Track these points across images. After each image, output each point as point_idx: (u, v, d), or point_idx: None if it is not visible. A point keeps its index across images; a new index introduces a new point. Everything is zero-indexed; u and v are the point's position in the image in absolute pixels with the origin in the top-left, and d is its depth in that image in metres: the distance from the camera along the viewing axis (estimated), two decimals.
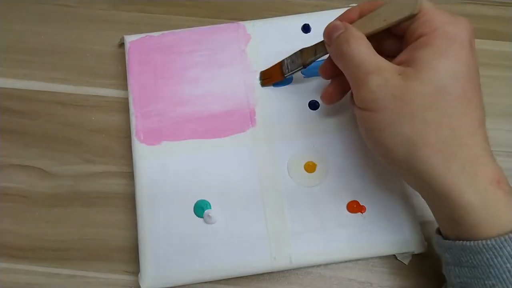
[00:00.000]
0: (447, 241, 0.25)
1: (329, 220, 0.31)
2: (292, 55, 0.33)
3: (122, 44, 0.37)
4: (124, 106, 0.36)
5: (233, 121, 0.34)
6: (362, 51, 0.25)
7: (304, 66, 0.32)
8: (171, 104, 0.34)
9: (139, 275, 0.30)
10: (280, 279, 0.32)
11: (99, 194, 0.34)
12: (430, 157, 0.23)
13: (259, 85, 0.35)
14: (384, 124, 0.24)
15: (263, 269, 0.30)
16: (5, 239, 0.33)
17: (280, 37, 0.36)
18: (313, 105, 0.34)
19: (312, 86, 0.35)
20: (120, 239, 0.33)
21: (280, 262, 0.30)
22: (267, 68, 0.35)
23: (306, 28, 0.37)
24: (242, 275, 0.31)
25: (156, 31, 0.36)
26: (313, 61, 0.31)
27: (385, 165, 0.28)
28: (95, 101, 0.36)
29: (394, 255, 0.32)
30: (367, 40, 0.26)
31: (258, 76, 0.35)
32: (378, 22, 0.26)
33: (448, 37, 0.24)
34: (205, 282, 0.31)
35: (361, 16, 0.27)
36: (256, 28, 0.37)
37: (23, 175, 0.34)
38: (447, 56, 0.23)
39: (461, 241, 0.23)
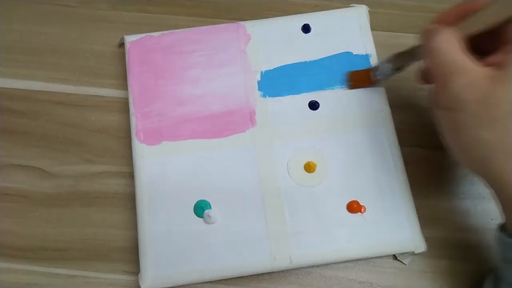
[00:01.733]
0: None
1: (329, 220, 0.31)
2: (386, 58, 0.32)
3: (122, 44, 0.37)
4: (124, 106, 0.36)
5: (233, 121, 0.34)
6: (451, 49, 0.25)
7: (399, 70, 0.31)
8: (171, 104, 0.34)
9: (139, 275, 0.30)
10: (280, 279, 0.32)
11: (99, 194, 0.34)
12: (507, 163, 0.23)
13: (259, 85, 0.35)
14: (464, 125, 0.24)
15: (263, 269, 0.30)
16: (5, 239, 0.33)
17: (280, 37, 0.36)
18: (313, 105, 0.34)
19: None
20: (120, 239, 0.33)
21: (280, 262, 0.30)
22: (355, 70, 0.35)
23: (306, 28, 0.37)
24: (242, 275, 0.31)
25: (156, 31, 0.36)
26: (407, 65, 0.31)
27: (460, 164, 0.28)
28: (95, 101, 0.36)
29: (394, 255, 0.32)
30: (459, 39, 0.25)
31: (346, 76, 0.35)
32: (477, 24, 0.25)
33: None
34: (205, 282, 0.31)
35: (458, 18, 0.26)
36: (256, 28, 0.37)
37: (23, 175, 0.34)
38: None
39: None
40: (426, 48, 0.26)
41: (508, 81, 0.23)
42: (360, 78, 0.34)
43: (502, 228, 0.26)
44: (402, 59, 0.31)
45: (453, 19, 0.27)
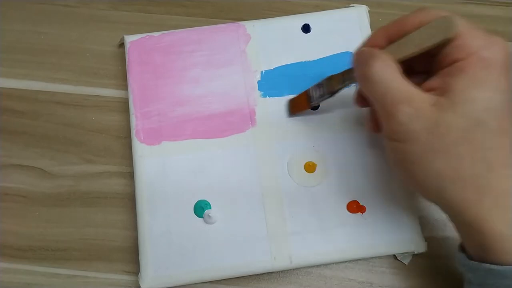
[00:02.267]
0: (473, 262, 0.24)
1: (329, 220, 0.31)
2: (318, 82, 0.31)
3: (122, 44, 0.37)
4: (124, 106, 0.36)
5: (233, 121, 0.34)
6: (391, 77, 0.24)
7: (332, 94, 0.30)
8: (171, 104, 0.34)
9: (139, 275, 0.30)
10: (280, 279, 0.32)
11: (99, 194, 0.34)
12: (463, 191, 0.23)
13: (259, 85, 0.35)
14: (415, 156, 0.23)
15: (263, 269, 0.30)
16: (5, 239, 0.33)
17: (280, 37, 0.36)
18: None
19: None
20: (120, 239, 0.33)
21: (280, 262, 0.30)
22: (293, 97, 0.34)
23: (306, 28, 0.37)
24: (242, 275, 0.31)
25: (156, 31, 0.36)
26: (341, 89, 0.30)
27: (415, 192, 0.26)
28: (95, 101, 0.36)
29: (394, 255, 0.32)
30: (395, 65, 0.24)
31: (286, 105, 0.34)
32: (410, 48, 0.24)
33: (484, 64, 0.22)
34: (205, 282, 0.31)
35: (388, 40, 0.26)
36: (256, 28, 0.37)
37: (23, 175, 0.34)
38: (484, 87, 0.22)
39: (488, 264, 0.23)
40: (363, 76, 0.25)
41: (456, 108, 0.22)
42: (298, 104, 0.34)
43: (462, 247, 0.26)
44: (333, 83, 0.30)
45: (383, 42, 0.26)
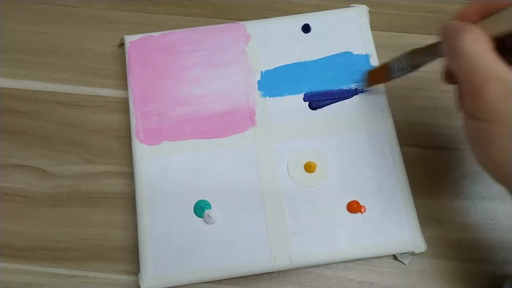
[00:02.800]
0: None
1: (329, 220, 0.31)
2: (401, 55, 0.30)
3: (122, 44, 0.37)
4: (124, 106, 0.36)
5: (233, 121, 0.34)
6: (482, 53, 0.22)
7: (415, 68, 0.30)
8: (171, 104, 0.34)
9: (139, 275, 0.30)
10: (280, 279, 0.32)
11: (99, 194, 0.34)
12: None
13: (259, 85, 0.35)
14: (496, 137, 0.23)
15: (263, 269, 0.30)
16: (5, 239, 0.33)
17: (280, 37, 0.36)
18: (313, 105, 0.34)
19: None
20: (120, 239, 0.33)
21: (280, 262, 0.30)
22: (372, 69, 0.34)
23: (306, 28, 0.37)
24: (242, 275, 0.31)
25: (156, 31, 0.36)
26: (425, 63, 0.29)
27: (491, 178, 0.25)
28: (95, 101, 0.36)
29: (394, 255, 0.32)
30: (488, 42, 0.23)
31: (363, 75, 0.34)
32: (504, 25, 0.23)
33: None
34: (205, 282, 0.31)
35: (482, 15, 0.24)
36: (256, 28, 0.37)
37: (23, 175, 0.34)
38: None
39: None
40: (452, 49, 0.24)
41: None
42: (376, 76, 0.34)
43: None
44: (418, 56, 0.29)
45: (476, 16, 0.24)
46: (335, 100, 0.34)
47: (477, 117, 0.23)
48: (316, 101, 0.34)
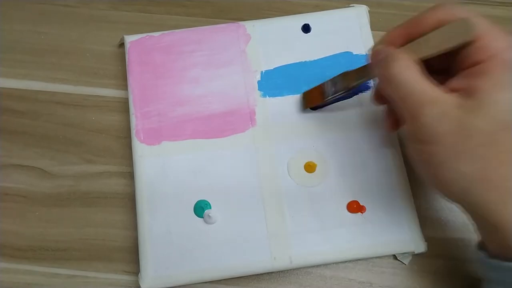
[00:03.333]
0: (495, 261, 0.24)
1: (329, 220, 0.31)
2: (334, 77, 0.31)
3: (122, 44, 0.37)
4: (124, 106, 0.36)
5: (233, 121, 0.34)
6: (413, 79, 0.23)
7: (347, 90, 0.30)
8: (171, 104, 0.34)
9: (139, 275, 0.30)
10: (280, 279, 0.32)
11: (99, 194, 0.34)
12: (488, 193, 0.23)
13: (259, 85, 0.35)
14: (440, 158, 0.23)
15: (263, 269, 0.30)
16: (5, 239, 0.33)
17: (280, 37, 0.36)
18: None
19: None
20: (120, 239, 0.33)
21: (280, 262, 0.30)
22: (308, 90, 0.34)
23: (306, 28, 0.37)
24: (242, 275, 0.31)
25: (156, 31, 0.36)
26: (356, 86, 0.30)
27: (442, 197, 0.26)
28: (95, 101, 0.36)
29: (394, 255, 0.32)
30: (416, 65, 0.24)
31: (300, 97, 0.34)
32: (428, 49, 0.24)
33: (507, 66, 0.22)
34: (205, 282, 0.31)
35: (406, 39, 0.25)
36: (256, 28, 0.37)
37: (23, 175, 0.34)
38: (509, 89, 0.22)
39: (510, 263, 0.23)
40: (383, 77, 0.25)
41: (482, 111, 0.22)
42: (312, 97, 0.33)
43: (481, 247, 0.26)
44: (350, 79, 0.30)
45: (400, 40, 0.25)
46: (335, 101, 0.34)
47: (418, 140, 0.24)
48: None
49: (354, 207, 0.32)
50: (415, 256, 0.32)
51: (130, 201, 0.33)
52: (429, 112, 0.23)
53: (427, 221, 0.32)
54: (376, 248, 0.31)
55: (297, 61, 0.36)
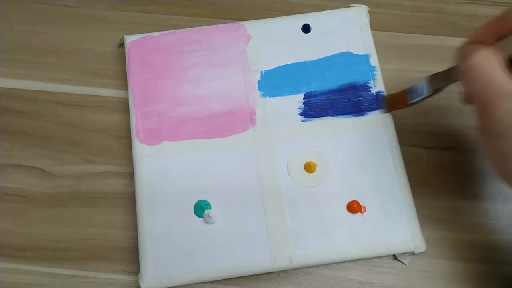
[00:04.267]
0: None
1: (329, 220, 0.31)
2: (421, 81, 0.30)
3: (122, 44, 0.37)
4: (124, 106, 0.36)
5: (233, 121, 0.34)
6: (492, 70, 0.23)
7: (435, 92, 0.30)
8: (171, 104, 0.34)
9: (139, 275, 0.30)
10: (280, 279, 0.32)
11: (99, 194, 0.34)
12: None
13: (259, 85, 0.35)
14: (511, 153, 0.23)
15: (263, 269, 0.30)
16: (5, 239, 0.33)
17: (280, 37, 0.36)
18: None
19: None
20: (120, 239, 0.33)
21: (280, 262, 0.30)
22: (392, 93, 0.34)
23: (306, 28, 0.37)
24: (242, 275, 0.31)
25: (156, 31, 0.36)
26: (444, 87, 0.29)
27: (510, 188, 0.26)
28: (95, 101, 0.36)
29: (394, 255, 0.32)
30: (499, 59, 0.23)
31: (382, 99, 0.34)
32: None
33: None
34: (205, 282, 0.31)
35: (496, 36, 0.25)
36: (256, 28, 0.37)
37: (23, 175, 0.34)
38: None
39: None
40: (464, 68, 0.24)
41: None
42: (396, 101, 0.33)
43: None
44: (438, 80, 0.29)
45: (491, 39, 0.25)
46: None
47: (491, 134, 0.23)
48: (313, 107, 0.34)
49: (354, 207, 0.32)
50: (415, 256, 0.32)
51: (130, 201, 0.33)
52: (504, 105, 0.22)
53: (427, 221, 0.32)
54: (376, 248, 0.31)
55: (297, 61, 0.36)
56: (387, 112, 0.34)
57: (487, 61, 0.23)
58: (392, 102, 0.34)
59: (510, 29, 0.24)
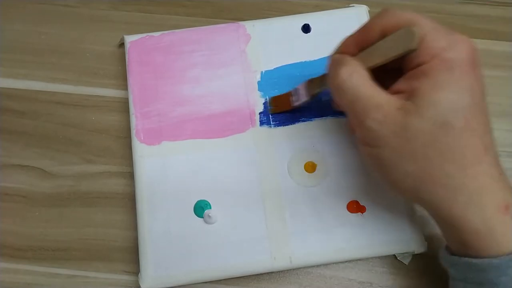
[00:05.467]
0: (454, 256, 0.24)
1: (329, 220, 0.31)
2: (300, 84, 0.32)
3: (122, 44, 0.37)
4: (124, 106, 0.36)
5: (233, 121, 0.34)
6: (359, 84, 0.24)
7: (311, 97, 0.31)
8: (171, 104, 0.34)
9: (139, 275, 0.30)
10: (280, 279, 0.32)
11: (99, 194, 0.34)
12: (436, 191, 0.23)
13: (259, 85, 0.35)
14: (387, 160, 0.24)
15: (263, 269, 0.30)
16: (5, 239, 0.33)
17: (280, 37, 0.36)
18: None
19: None
20: (120, 239, 0.33)
21: (280, 262, 0.30)
22: (277, 95, 0.34)
23: (306, 28, 0.37)
24: (242, 275, 0.31)
25: (156, 31, 0.36)
26: (319, 92, 0.30)
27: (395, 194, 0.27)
28: (95, 101, 0.36)
29: (394, 255, 0.32)
30: (364, 71, 0.25)
31: (267, 101, 0.34)
32: (376, 57, 0.25)
33: (448, 66, 0.22)
34: (205, 282, 0.31)
35: (359, 47, 0.26)
36: (256, 28, 0.37)
37: (23, 175, 0.34)
38: (448, 89, 0.22)
39: (467, 258, 0.23)
40: (333, 85, 0.25)
41: (420, 112, 0.22)
42: (279, 104, 0.34)
43: (446, 246, 0.26)
44: (314, 86, 0.30)
45: (354, 49, 0.26)
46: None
47: (366, 143, 0.25)
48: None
49: (354, 207, 0.32)
50: (415, 256, 0.32)
51: (130, 201, 0.33)
52: (374, 116, 0.23)
53: (427, 221, 0.32)
54: (376, 248, 0.31)
55: (297, 61, 0.36)
56: (272, 113, 0.34)
57: (353, 77, 0.24)
58: (277, 104, 0.34)
59: (370, 39, 0.25)
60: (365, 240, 0.31)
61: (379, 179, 0.27)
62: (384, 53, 0.24)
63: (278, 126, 0.34)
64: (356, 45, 0.26)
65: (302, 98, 0.32)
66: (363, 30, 0.26)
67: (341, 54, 0.26)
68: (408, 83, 0.24)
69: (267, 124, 0.34)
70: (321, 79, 0.30)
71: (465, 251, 0.24)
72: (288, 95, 0.33)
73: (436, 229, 0.32)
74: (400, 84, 0.24)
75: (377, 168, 0.26)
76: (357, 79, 0.24)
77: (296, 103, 0.32)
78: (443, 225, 0.25)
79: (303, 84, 0.32)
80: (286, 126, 0.34)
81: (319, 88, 0.30)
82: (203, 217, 0.31)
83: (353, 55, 0.26)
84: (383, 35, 0.24)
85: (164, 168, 0.33)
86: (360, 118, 0.24)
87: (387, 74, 0.25)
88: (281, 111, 0.34)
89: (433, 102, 0.22)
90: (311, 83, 0.31)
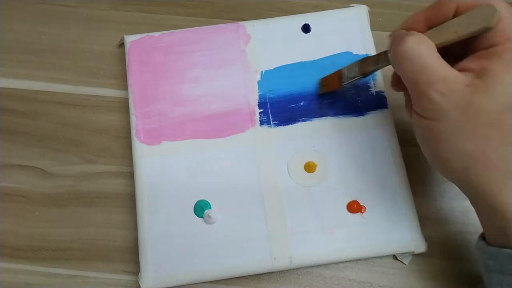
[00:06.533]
0: (493, 247, 0.24)
1: (329, 220, 0.31)
2: (352, 63, 0.32)
3: (122, 44, 0.37)
4: (124, 106, 0.36)
5: (233, 121, 0.34)
6: (425, 54, 0.24)
7: (364, 75, 0.31)
8: (171, 104, 0.34)
9: (139, 275, 0.30)
10: (280, 279, 0.32)
11: (99, 194, 0.34)
12: (488, 174, 0.23)
13: (259, 85, 0.35)
14: (444, 135, 0.24)
15: (263, 269, 0.30)
16: (5, 239, 0.33)
17: (280, 37, 0.36)
18: None
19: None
20: (120, 239, 0.33)
21: (280, 262, 0.30)
22: (326, 75, 0.34)
23: (306, 28, 0.37)
24: (242, 275, 0.31)
25: (156, 31, 0.36)
26: (374, 71, 0.31)
27: (440, 174, 0.27)
28: (95, 101, 0.36)
29: (394, 255, 0.32)
30: (433, 44, 0.24)
31: (317, 82, 0.34)
32: (449, 34, 0.24)
33: None
34: (205, 282, 0.31)
35: (427, 25, 0.26)
36: (256, 28, 0.37)
37: (23, 175, 0.34)
38: None
39: (508, 249, 0.23)
40: (397, 53, 0.25)
41: (489, 91, 0.22)
42: (329, 83, 0.34)
43: (482, 237, 0.26)
44: (366, 65, 0.30)
45: (422, 26, 0.26)
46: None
47: (425, 116, 0.24)
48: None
49: (354, 207, 0.32)
50: (415, 256, 0.32)
51: (130, 201, 0.33)
52: (438, 88, 0.23)
53: (427, 221, 0.32)
54: (376, 248, 0.31)
55: (297, 61, 0.36)
56: (321, 93, 0.34)
57: (420, 46, 0.24)
58: (326, 84, 0.34)
59: (441, 18, 0.25)
60: (365, 240, 0.31)
61: (428, 155, 0.26)
62: (459, 29, 0.24)
63: (278, 126, 0.34)
64: (426, 21, 0.26)
65: (353, 77, 0.31)
66: (437, 6, 0.25)
67: (406, 30, 0.26)
68: (478, 63, 0.24)
69: (267, 124, 0.34)
70: (377, 57, 0.29)
71: (504, 241, 0.23)
72: (336, 74, 0.33)
73: (436, 229, 0.32)
74: (468, 63, 0.24)
75: (431, 143, 0.25)
76: (425, 48, 0.24)
77: (346, 82, 0.32)
78: (484, 212, 0.25)
79: (355, 63, 0.31)
80: (286, 126, 0.34)
81: (373, 66, 0.30)
82: (203, 217, 0.31)
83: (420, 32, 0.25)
84: (457, 13, 0.24)
85: (164, 168, 0.33)
86: (423, 88, 0.24)
87: (448, 59, 0.25)
88: (330, 90, 0.34)
89: (504, 83, 0.22)
90: (364, 61, 0.31)
